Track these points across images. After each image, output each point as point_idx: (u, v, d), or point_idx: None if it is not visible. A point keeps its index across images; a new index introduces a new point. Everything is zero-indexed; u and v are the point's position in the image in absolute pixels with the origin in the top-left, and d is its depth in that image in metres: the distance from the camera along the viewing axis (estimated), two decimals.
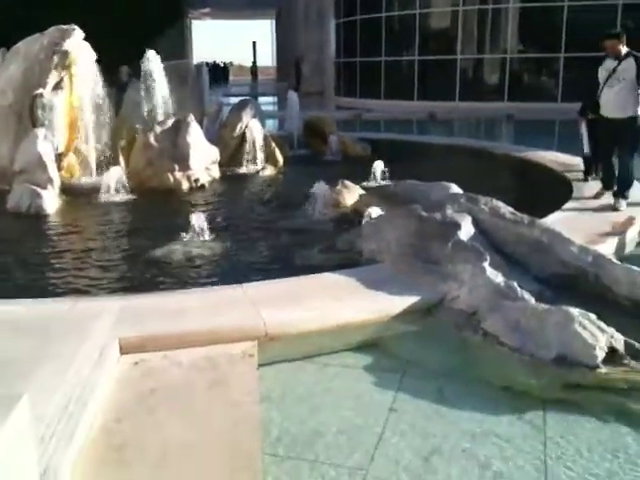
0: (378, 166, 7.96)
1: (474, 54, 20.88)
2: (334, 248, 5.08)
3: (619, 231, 5.08)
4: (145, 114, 9.17)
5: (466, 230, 4.50)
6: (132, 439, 2.60)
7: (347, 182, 6.86)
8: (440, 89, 20.74)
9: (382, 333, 3.68)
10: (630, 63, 5.93)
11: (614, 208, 5.90)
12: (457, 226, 4.45)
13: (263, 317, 3.48)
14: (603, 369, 3.11)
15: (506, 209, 4.76)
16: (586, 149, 6.92)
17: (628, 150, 6.13)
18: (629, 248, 5.16)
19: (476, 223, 4.68)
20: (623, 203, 5.95)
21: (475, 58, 21.04)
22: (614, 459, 2.62)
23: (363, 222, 5.23)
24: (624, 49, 6.04)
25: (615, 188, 6.16)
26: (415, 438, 2.79)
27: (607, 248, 4.73)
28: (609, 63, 6.10)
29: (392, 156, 8.72)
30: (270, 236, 5.82)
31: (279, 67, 43.88)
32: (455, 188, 6.08)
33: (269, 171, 9.30)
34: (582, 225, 5.26)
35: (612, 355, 3.19)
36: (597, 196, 6.36)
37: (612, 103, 6.07)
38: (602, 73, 6.14)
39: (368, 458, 2.65)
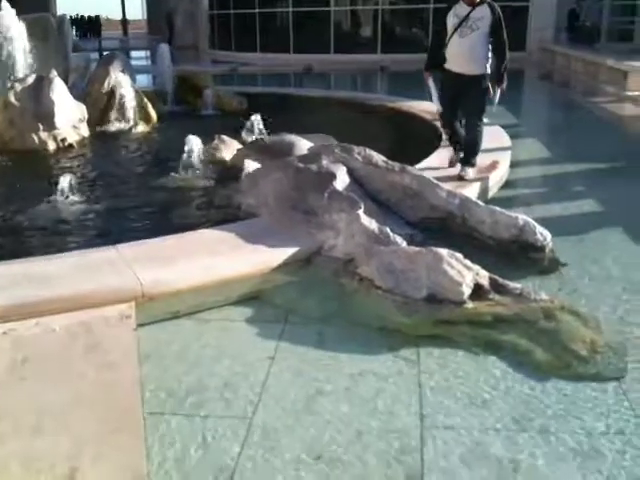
0: (255, 120, 7.88)
1: (347, 6, 20.94)
2: (211, 204, 5.02)
3: (484, 175, 5.36)
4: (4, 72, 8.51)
5: (341, 180, 4.57)
6: (4, 412, 2.48)
7: (224, 137, 6.75)
8: (315, 42, 20.68)
9: (263, 285, 3.70)
10: (485, 11, 5.23)
11: (460, 177, 5.29)
12: (332, 176, 4.51)
13: (139, 277, 3.39)
14: (470, 304, 3.31)
15: (379, 158, 4.88)
16: (437, 106, 5.71)
17: (475, 112, 5.44)
18: (493, 191, 5.46)
19: (351, 172, 4.77)
20: (470, 172, 5.33)
21: (348, 10, 21.11)
22: (482, 384, 2.81)
23: (241, 176, 5.19)
24: None
25: (462, 155, 5.56)
26: (297, 383, 2.86)
27: (473, 191, 4.98)
28: (461, 9, 5.29)
29: (269, 109, 8.65)
30: (144, 196, 5.65)
31: (150, 20, 41.97)
32: (331, 139, 6.16)
33: (142, 128, 8.96)
34: (451, 171, 5.49)
35: (478, 291, 3.40)
36: (452, 164, 5.73)
37: (461, 56, 5.30)
38: (452, 20, 5.31)
39: (252, 407, 2.69)
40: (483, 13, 5.25)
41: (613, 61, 12.49)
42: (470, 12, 5.25)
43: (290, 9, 21.23)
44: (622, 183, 5.98)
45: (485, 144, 6.33)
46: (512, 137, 7.02)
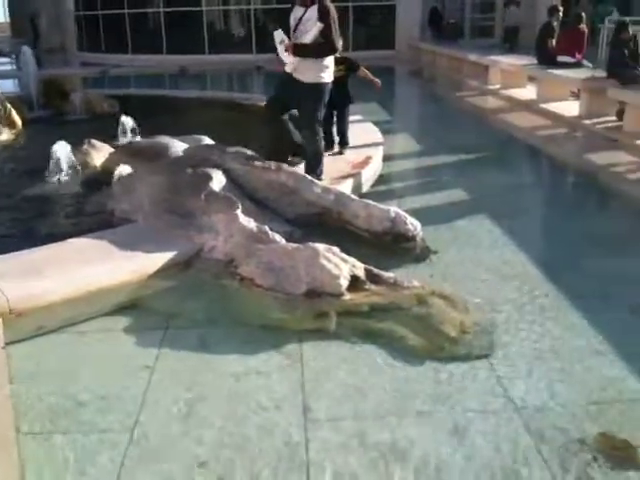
0: (127, 123, 7.65)
1: (219, 6, 20.76)
2: (83, 212, 4.82)
3: (357, 170, 5.51)
4: None
5: (217, 180, 4.54)
6: None
7: (94, 141, 6.50)
8: (189, 42, 20.34)
9: (141, 292, 3.61)
10: (314, 12, 4.87)
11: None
12: (208, 177, 4.47)
13: (5, 292, 3.21)
14: (348, 296, 3.40)
15: (255, 157, 4.89)
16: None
17: (305, 123, 5.13)
18: (367, 185, 5.62)
19: (227, 173, 4.75)
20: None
21: (221, 10, 20.94)
22: (362, 373, 2.90)
23: (113, 181, 5.02)
24: None
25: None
26: (180, 389, 2.81)
27: (347, 186, 5.10)
28: (297, 10, 5.00)
29: (142, 112, 8.42)
30: (10, 206, 5.33)
31: (13, 23, 39.53)
32: (207, 140, 6.10)
33: (6, 135, 8.44)
34: (327, 167, 5.58)
35: (355, 282, 3.50)
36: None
37: (289, 60, 4.94)
38: (291, 22, 5.04)
39: (133, 419, 2.62)
40: (312, 15, 4.86)
41: (475, 56, 13.21)
42: (303, 14, 4.92)
43: (161, 9, 20.75)
44: (486, 171, 6.36)
45: (358, 140, 6.55)
46: (384, 133, 7.25)
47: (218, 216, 4.08)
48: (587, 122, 8.02)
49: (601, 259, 4.10)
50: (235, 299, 3.52)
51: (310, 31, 4.83)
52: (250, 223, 4.00)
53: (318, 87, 4.97)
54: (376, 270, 3.61)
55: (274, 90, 5.44)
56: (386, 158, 6.46)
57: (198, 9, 20.44)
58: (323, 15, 4.81)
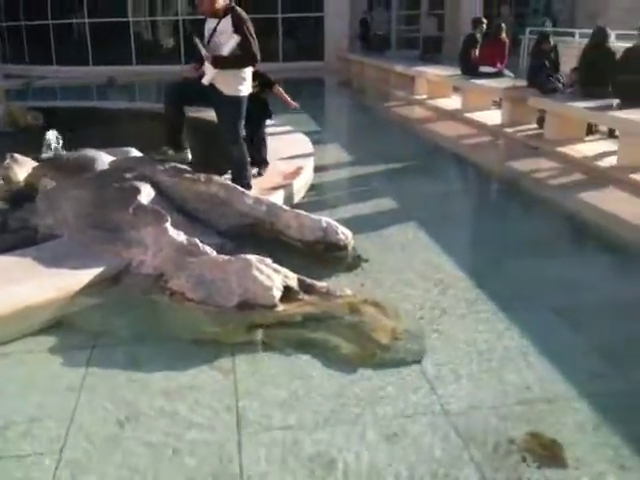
0: (51, 136, 7.41)
1: (146, 17, 20.45)
2: (6, 229, 4.64)
3: (289, 180, 5.52)
4: None
5: (146, 193, 4.46)
6: None
7: (17, 155, 6.25)
8: (116, 53, 19.93)
9: (67, 310, 3.49)
10: (228, 23, 4.72)
11: None
12: (136, 190, 4.39)
13: None
14: (281, 307, 3.40)
15: (184, 169, 4.84)
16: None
17: (224, 133, 5.05)
18: (299, 195, 5.64)
19: (156, 185, 4.68)
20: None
21: (148, 21, 20.62)
22: (296, 383, 2.89)
23: (37, 197, 4.86)
24: (222, 2, 4.74)
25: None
26: (109, 409, 2.74)
27: (279, 197, 5.11)
28: (209, 21, 4.85)
29: (68, 124, 8.18)
30: None
31: None
32: (134, 152, 5.99)
33: None
34: (256, 179, 5.57)
35: (288, 293, 3.50)
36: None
37: (209, 72, 4.76)
38: (206, 33, 4.87)
39: (60, 442, 2.53)
40: (227, 25, 4.71)
41: (402, 67, 13.48)
42: (217, 25, 4.75)
43: (86, 20, 20.26)
44: (414, 180, 6.49)
45: (289, 151, 6.58)
46: (315, 143, 7.30)
47: (147, 230, 4.01)
48: (509, 130, 8.31)
49: (525, 262, 4.24)
50: (165, 314, 3.46)
51: (227, 43, 4.72)
52: (180, 236, 3.95)
53: (237, 99, 4.93)
54: (309, 280, 3.62)
55: (171, 90, 5.27)
56: (317, 168, 6.51)
57: (125, 20, 20.08)
58: (238, 26, 4.71)
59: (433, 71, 11.85)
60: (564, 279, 3.96)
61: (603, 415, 2.60)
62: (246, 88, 5.00)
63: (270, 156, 6.41)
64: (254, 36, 4.81)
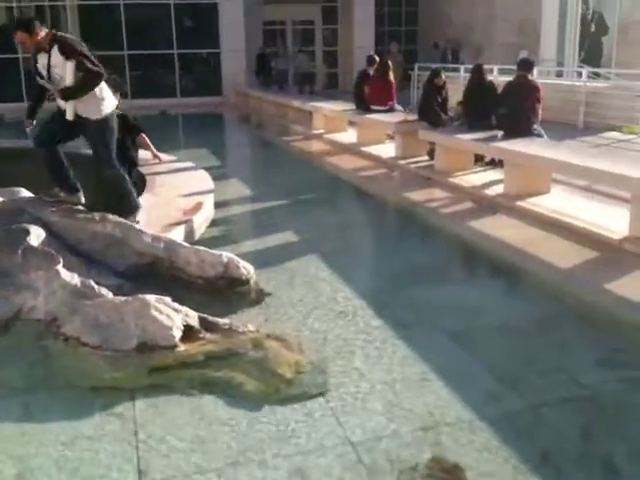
0: None
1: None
2: None
3: (189, 217, 5.46)
4: None
5: (36, 235, 4.28)
6: None
7: None
8: (6, 90, 19.14)
9: None
10: (57, 54, 4.62)
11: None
12: (25, 232, 4.20)
13: None
14: (182, 347, 3.33)
15: (77, 209, 4.69)
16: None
17: (99, 161, 4.94)
18: (200, 231, 5.58)
19: (47, 226, 4.50)
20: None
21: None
22: (200, 426, 2.82)
23: None
24: (44, 35, 4.65)
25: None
26: (4, 465, 2.57)
27: (179, 234, 5.03)
28: (41, 56, 4.71)
29: None
30: None
31: None
32: (24, 192, 5.73)
33: None
34: (156, 214, 5.48)
35: (189, 332, 3.43)
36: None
37: (67, 106, 4.74)
38: (41, 69, 4.75)
39: None
40: (57, 59, 4.62)
41: (299, 102, 13.74)
42: (49, 60, 4.63)
43: None
44: (315, 212, 6.59)
45: (189, 187, 6.52)
46: (215, 178, 7.26)
47: (37, 273, 3.84)
48: (403, 162, 8.62)
49: (423, 289, 4.39)
50: (60, 361, 3.30)
51: (65, 75, 4.64)
52: (74, 278, 3.81)
53: (104, 120, 4.82)
54: (210, 318, 3.58)
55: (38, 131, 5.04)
56: (218, 204, 6.47)
57: (15, 56, 19.36)
58: (68, 53, 4.62)
59: (329, 106, 12.15)
60: (459, 304, 4.12)
61: (501, 436, 2.70)
62: (108, 104, 4.89)
63: (170, 192, 6.34)
64: (87, 53, 4.73)
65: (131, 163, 5.85)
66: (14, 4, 19.25)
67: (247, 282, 4.19)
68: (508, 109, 7.23)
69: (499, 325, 3.84)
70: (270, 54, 19.40)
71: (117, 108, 5.16)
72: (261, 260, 4.70)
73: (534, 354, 3.47)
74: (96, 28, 19.64)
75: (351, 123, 11.34)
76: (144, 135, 5.83)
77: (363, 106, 10.61)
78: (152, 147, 5.88)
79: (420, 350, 3.45)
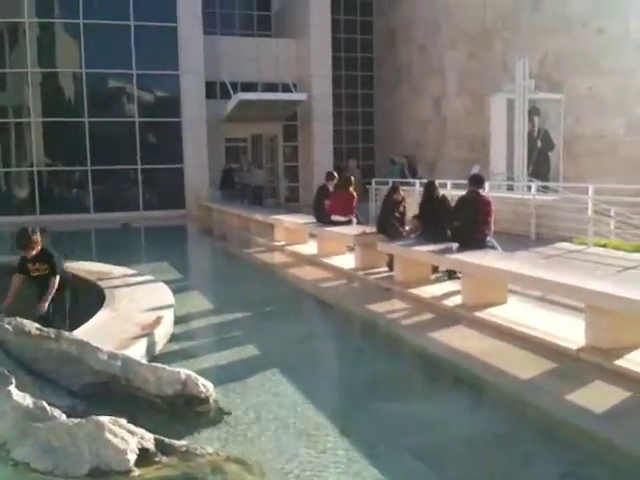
0: None
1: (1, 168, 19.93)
2: None
3: (148, 332, 5.38)
4: None
5: None
6: None
7: None
8: None
9: None
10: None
11: None
12: None
13: None
14: (137, 471, 3.18)
15: (32, 326, 4.58)
16: None
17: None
18: (159, 347, 5.49)
19: (2, 345, 4.39)
20: None
21: (2, 172, 20.07)
22: None
23: None
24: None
25: None
26: None
27: (139, 350, 4.95)
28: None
29: None
30: None
31: None
32: None
33: None
34: (114, 330, 5.40)
35: (145, 455, 3.30)
36: None
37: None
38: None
39: None
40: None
41: (261, 215, 14.01)
42: None
43: None
44: (276, 325, 6.56)
45: (148, 301, 6.49)
46: (176, 292, 7.24)
47: None
48: (363, 273, 8.74)
49: (384, 404, 4.34)
50: None
51: None
52: (25, 399, 3.67)
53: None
54: (167, 440, 3.45)
55: None
56: (178, 318, 6.41)
57: None
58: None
59: (290, 219, 12.41)
60: (422, 418, 4.08)
61: None
62: None
63: (128, 307, 6.30)
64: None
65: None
66: None
67: (206, 400, 4.09)
68: (462, 222, 7.49)
69: (463, 439, 3.80)
70: (234, 169, 19.96)
71: None
72: (221, 376, 4.63)
73: (498, 469, 3.43)
74: (60, 144, 20.09)
75: (312, 235, 11.55)
76: (55, 280, 5.92)
77: (323, 219, 10.87)
78: (51, 293, 5.85)
79: (386, 470, 3.37)
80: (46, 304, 5.73)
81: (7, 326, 4.49)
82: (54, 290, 5.85)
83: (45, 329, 4.57)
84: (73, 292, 6.25)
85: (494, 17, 20.42)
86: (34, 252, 5.90)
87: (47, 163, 20.35)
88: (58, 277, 5.91)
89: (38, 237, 5.94)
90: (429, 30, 21.33)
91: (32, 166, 19.98)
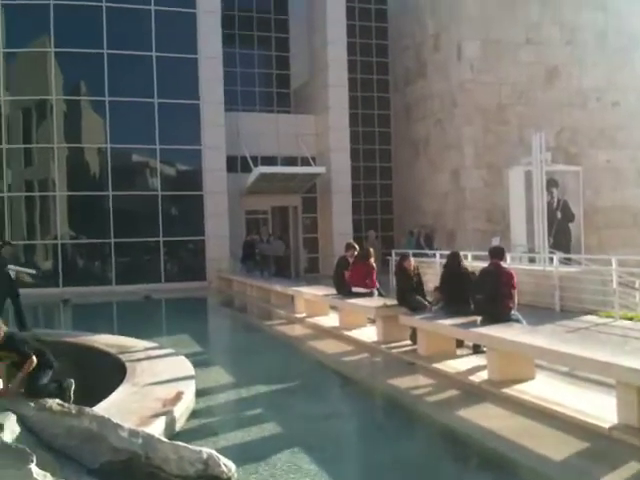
0: None
1: (24, 240, 20.30)
2: None
3: (168, 408, 5.31)
4: None
5: (10, 430, 4.13)
6: None
7: None
8: None
9: None
10: None
11: None
12: None
13: None
14: None
15: (53, 402, 4.56)
16: None
17: None
18: (180, 423, 5.40)
19: (22, 420, 4.35)
20: None
21: (26, 244, 20.44)
22: None
23: None
24: None
25: None
26: None
27: (159, 426, 4.86)
28: None
29: None
30: None
31: None
32: None
33: None
34: (135, 407, 5.34)
35: None
36: None
37: None
38: None
39: None
40: None
41: (281, 287, 14.02)
42: None
43: None
44: (298, 400, 6.44)
45: (168, 374, 6.43)
46: (197, 365, 7.17)
47: (8, 472, 3.64)
48: (385, 347, 8.63)
49: None
50: None
51: None
52: (46, 478, 3.62)
53: None
54: None
55: None
56: (199, 392, 6.33)
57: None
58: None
59: (310, 291, 12.39)
60: None
61: None
62: None
63: (149, 381, 6.25)
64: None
65: None
66: (5, 194, 20.08)
67: None
68: (485, 295, 7.43)
69: None
70: (254, 241, 20.12)
71: None
72: (243, 455, 4.52)
73: None
74: (84, 217, 20.50)
75: (332, 307, 11.49)
76: (31, 362, 4.97)
77: (343, 290, 10.84)
78: (24, 373, 4.91)
79: None
80: (19, 389, 4.96)
81: (30, 402, 4.47)
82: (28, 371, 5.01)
83: (66, 405, 4.55)
84: (43, 356, 5.30)
85: (509, 92, 20.90)
86: None
87: (71, 236, 20.70)
88: (31, 358, 5.05)
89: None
90: (445, 105, 21.84)
91: (56, 239, 20.32)
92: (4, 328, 5.12)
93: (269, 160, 21.96)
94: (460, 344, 8.04)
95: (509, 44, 20.91)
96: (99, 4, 19.85)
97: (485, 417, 5.53)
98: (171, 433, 5.00)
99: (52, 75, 20.02)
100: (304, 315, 11.95)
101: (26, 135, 20.53)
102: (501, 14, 20.84)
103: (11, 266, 10.84)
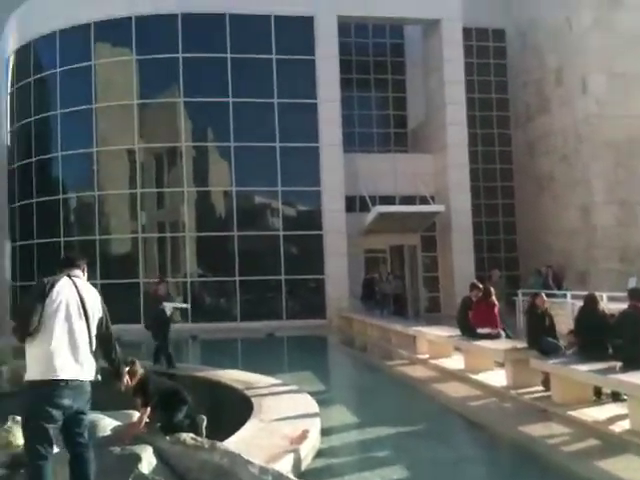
0: None
1: (150, 277, 21.42)
2: None
3: (295, 446, 5.33)
4: None
5: (147, 462, 4.31)
6: None
7: (19, 417, 6.12)
8: (126, 311, 20.54)
9: None
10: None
11: None
12: (137, 458, 4.24)
13: None
14: None
15: (187, 435, 4.71)
16: None
17: None
18: (307, 461, 5.40)
19: (158, 453, 4.53)
20: None
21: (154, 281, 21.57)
22: None
23: None
24: None
25: None
26: None
27: (287, 464, 4.89)
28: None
29: None
30: None
31: None
32: (136, 417, 5.87)
33: None
34: (263, 443, 5.40)
35: None
36: None
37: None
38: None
39: None
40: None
41: (401, 327, 13.82)
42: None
43: (98, 281, 21.18)
44: (423, 445, 6.26)
45: (293, 411, 6.48)
46: (320, 403, 7.19)
47: None
48: (515, 392, 8.21)
49: None
50: None
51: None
52: None
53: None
54: None
55: None
56: (323, 431, 6.31)
57: (135, 280, 21.14)
58: None
59: (433, 331, 12.11)
60: None
61: None
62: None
63: (275, 418, 6.33)
64: None
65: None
66: (139, 235, 21.40)
67: None
68: (624, 339, 6.94)
69: None
70: (374, 279, 20.09)
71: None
72: None
73: None
74: (211, 256, 21.42)
75: (456, 348, 11.16)
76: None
77: (468, 332, 10.51)
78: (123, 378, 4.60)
79: None
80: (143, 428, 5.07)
81: (168, 438, 4.65)
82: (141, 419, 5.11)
83: (199, 439, 4.68)
84: (177, 395, 5.53)
85: (638, 123, 19.78)
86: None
87: (199, 274, 21.65)
88: (146, 408, 5.14)
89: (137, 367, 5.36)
90: (570, 140, 20.99)
91: (186, 277, 21.33)
92: (140, 371, 5.39)
93: (387, 199, 21.96)
94: (599, 392, 7.52)
95: (635, 76, 19.92)
96: (224, 55, 21.03)
97: (628, 470, 5.11)
98: (297, 471, 5.00)
99: (182, 123, 21.33)
100: (427, 356, 11.65)
101: (158, 180, 21.94)
102: (625, 47, 19.92)
103: (166, 303, 10.90)
